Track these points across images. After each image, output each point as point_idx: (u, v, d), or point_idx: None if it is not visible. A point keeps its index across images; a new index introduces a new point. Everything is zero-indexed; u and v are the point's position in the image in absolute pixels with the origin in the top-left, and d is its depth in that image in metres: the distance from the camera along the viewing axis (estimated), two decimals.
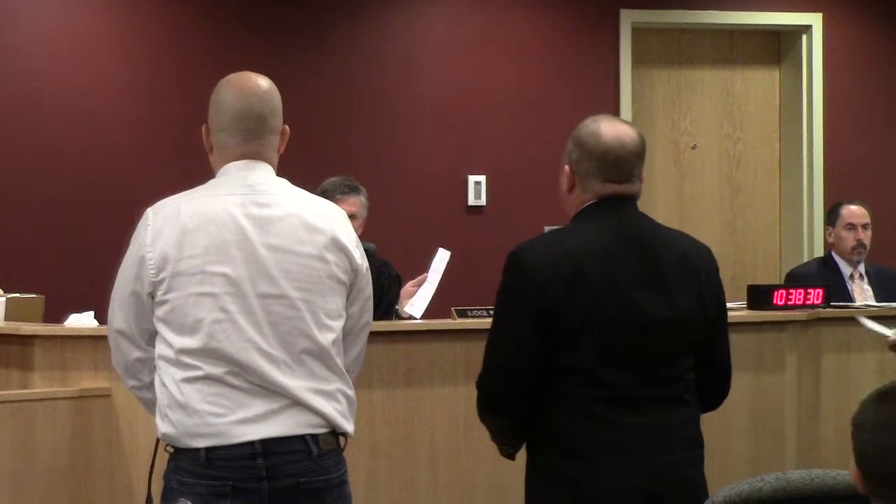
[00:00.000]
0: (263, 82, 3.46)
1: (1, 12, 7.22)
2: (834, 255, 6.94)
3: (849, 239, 6.88)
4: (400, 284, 5.90)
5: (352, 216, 5.77)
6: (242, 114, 3.40)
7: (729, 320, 3.69)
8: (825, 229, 7.10)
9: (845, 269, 6.87)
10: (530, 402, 3.46)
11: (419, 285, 5.74)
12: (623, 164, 3.51)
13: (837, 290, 6.56)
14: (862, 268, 6.89)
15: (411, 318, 5.57)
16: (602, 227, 3.48)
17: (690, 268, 3.54)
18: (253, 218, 3.32)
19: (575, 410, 3.41)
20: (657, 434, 3.43)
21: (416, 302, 5.60)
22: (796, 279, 6.63)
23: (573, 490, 3.40)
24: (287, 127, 3.49)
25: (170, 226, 3.31)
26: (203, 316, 3.26)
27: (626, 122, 3.69)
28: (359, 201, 5.83)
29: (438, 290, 5.71)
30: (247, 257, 3.29)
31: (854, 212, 6.93)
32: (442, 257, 5.69)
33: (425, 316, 5.60)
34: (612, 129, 3.55)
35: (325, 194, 5.30)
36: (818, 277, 6.54)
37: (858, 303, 6.51)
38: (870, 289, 6.82)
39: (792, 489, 2.66)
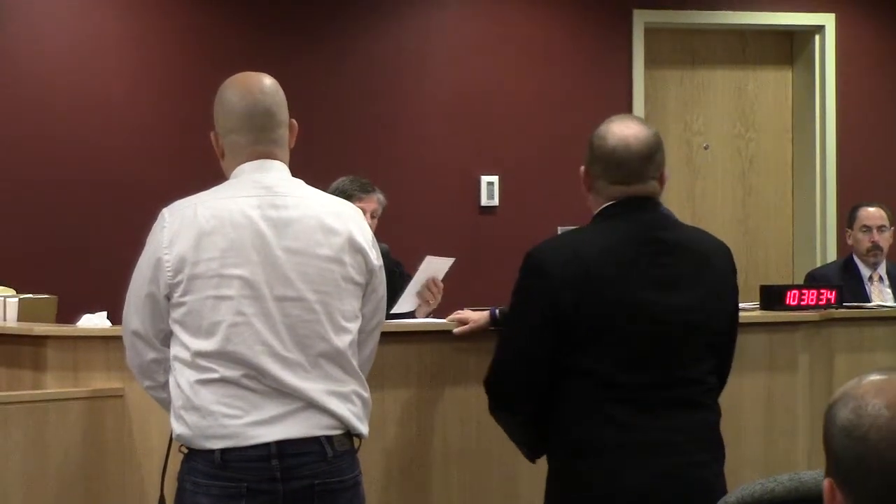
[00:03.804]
0: (266, 79, 3.45)
1: (8, 16, 7.23)
2: (854, 257, 6.92)
3: (864, 241, 6.86)
4: None
5: (372, 214, 5.78)
6: (250, 111, 3.39)
7: (741, 320, 3.68)
8: (845, 231, 7.08)
9: (864, 271, 6.85)
10: (537, 398, 3.47)
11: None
12: (628, 165, 3.48)
13: (856, 293, 6.53)
14: (882, 269, 6.86)
15: (411, 316, 5.54)
16: (615, 230, 3.48)
17: (711, 268, 3.53)
18: (270, 220, 3.31)
19: (588, 412, 3.41)
20: (669, 436, 3.42)
21: (407, 299, 5.52)
22: (815, 280, 6.62)
23: (585, 492, 3.41)
24: (294, 121, 3.48)
25: (187, 227, 3.29)
26: (220, 319, 3.25)
27: (640, 121, 3.63)
28: (377, 199, 5.85)
29: (452, 292, 5.68)
30: (264, 260, 3.28)
31: (870, 213, 6.91)
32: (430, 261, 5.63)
33: (439, 315, 5.58)
34: (619, 131, 3.51)
35: (343, 196, 5.28)
36: (837, 279, 6.51)
37: (872, 304, 6.48)
38: (890, 291, 6.79)
39: (804, 490, 2.64)
